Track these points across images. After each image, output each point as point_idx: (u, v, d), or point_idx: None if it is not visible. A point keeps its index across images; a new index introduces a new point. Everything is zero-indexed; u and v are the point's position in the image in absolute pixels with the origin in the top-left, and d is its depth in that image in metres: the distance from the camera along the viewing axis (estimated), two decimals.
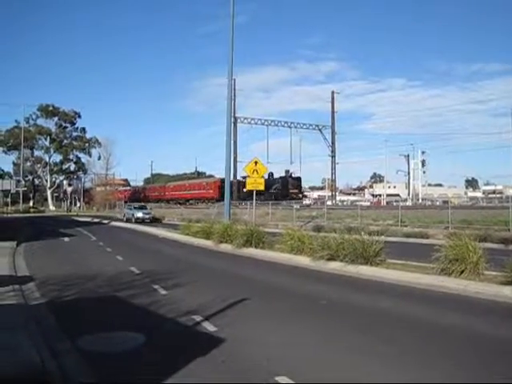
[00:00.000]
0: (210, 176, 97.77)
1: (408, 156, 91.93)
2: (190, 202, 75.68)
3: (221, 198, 62.55)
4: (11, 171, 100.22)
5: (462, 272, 11.88)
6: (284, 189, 65.99)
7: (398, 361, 6.52)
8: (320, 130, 78.64)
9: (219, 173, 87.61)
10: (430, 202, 76.63)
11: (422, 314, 9.23)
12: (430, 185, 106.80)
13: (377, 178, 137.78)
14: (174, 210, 58.01)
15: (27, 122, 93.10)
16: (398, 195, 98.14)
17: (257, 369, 6.24)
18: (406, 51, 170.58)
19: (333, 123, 79.05)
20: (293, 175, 68.57)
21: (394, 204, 62.17)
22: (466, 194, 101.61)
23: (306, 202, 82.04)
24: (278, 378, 5.78)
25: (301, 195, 65.14)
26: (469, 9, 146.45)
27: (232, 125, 34.94)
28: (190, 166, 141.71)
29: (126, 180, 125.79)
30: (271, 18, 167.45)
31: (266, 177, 60.53)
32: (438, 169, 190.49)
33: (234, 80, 31.73)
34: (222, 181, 74.09)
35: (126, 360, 6.62)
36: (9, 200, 50.65)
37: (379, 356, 6.67)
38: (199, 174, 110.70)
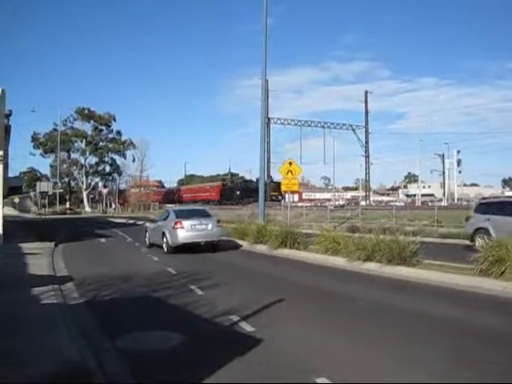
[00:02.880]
0: (241, 177, 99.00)
1: (443, 155, 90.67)
2: (198, 203, 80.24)
3: (221, 200, 74.84)
4: (48, 173, 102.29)
5: (502, 273, 11.62)
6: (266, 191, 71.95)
7: (437, 370, 6.41)
8: (353, 129, 78.16)
9: (252, 174, 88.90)
10: (465, 202, 75.40)
11: (466, 317, 9.00)
12: (465, 185, 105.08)
13: (411, 178, 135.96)
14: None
15: (64, 124, 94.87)
16: (432, 195, 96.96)
17: (295, 370, 6.21)
18: (437, 50, 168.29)
19: (366, 123, 78.41)
20: (273, 180, 72.50)
21: (429, 204, 61.41)
22: (502, 193, 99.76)
23: (340, 202, 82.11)
24: (318, 380, 5.74)
25: (280, 197, 69.13)
26: (501, 5, 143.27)
27: (265, 126, 34.91)
28: (224, 166, 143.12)
29: (160, 181, 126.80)
30: (302, 19, 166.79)
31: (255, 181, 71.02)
32: (473, 168, 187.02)
33: (267, 81, 31.97)
34: (224, 185, 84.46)
35: (164, 359, 6.68)
36: (46, 202, 51.37)
37: (420, 363, 6.52)
38: (232, 175, 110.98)
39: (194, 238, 20.42)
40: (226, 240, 23.30)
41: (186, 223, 20.39)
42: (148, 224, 25.97)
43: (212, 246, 21.07)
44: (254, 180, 73.84)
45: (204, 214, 22.34)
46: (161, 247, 21.28)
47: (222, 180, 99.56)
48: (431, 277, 12.77)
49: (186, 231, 20.26)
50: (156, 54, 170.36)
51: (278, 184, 75.59)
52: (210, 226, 20.85)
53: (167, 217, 22.14)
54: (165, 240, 20.76)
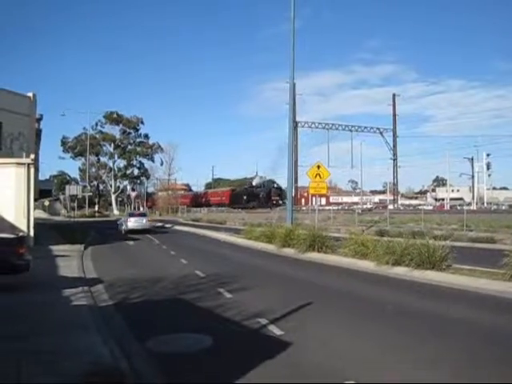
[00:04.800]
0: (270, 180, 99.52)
1: (472, 159, 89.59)
2: (213, 206, 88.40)
3: (230, 204, 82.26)
4: (77, 177, 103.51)
5: None
6: (267, 196, 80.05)
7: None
8: (381, 133, 77.77)
9: (279, 177, 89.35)
10: (495, 206, 74.24)
11: (501, 324, 8.85)
12: (494, 188, 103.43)
13: (439, 182, 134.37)
14: (236, 214, 58.31)
15: (93, 128, 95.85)
16: (461, 199, 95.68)
17: (324, 373, 6.21)
18: (465, 52, 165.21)
19: (394, 126, 78.08)
20: (275, 185, 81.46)
21: (458, 208, 60.61)
22: None
23: (368, 206, 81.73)
24: (347, 382, 5.71)
25: (281, 202, 74.41)
26: None
27: (293, 130, 34.78)
28: (252, 169, 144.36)
29: (187, 185, 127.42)
30: (327, 22, 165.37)
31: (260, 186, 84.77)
32: (503, 172, 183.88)
33: (294, 84, 31.70)
34: (232, 190, 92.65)
35: (193, 361, 6.70)
36: (75, 205, 51.97)
37: (453, 368, 6.45)
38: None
39: (135, 227, 38.21)
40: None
41: (132, 219, 39.37)
42: (118, 221, 44.17)
43: (147, 231, 37.73)
44: (259, 186, 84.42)
45: (143, 215, 42.20)
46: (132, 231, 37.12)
47: (250, 184, 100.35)
48: (461, 281, 12.60)
49: (132, 223, 38.60)
50: (182, 57, 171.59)
51: (280, 190, 79.33)
52: (144, 221, 39.71)
53: (125, 216, 42.92)
54: (123, 227, 38.98)
